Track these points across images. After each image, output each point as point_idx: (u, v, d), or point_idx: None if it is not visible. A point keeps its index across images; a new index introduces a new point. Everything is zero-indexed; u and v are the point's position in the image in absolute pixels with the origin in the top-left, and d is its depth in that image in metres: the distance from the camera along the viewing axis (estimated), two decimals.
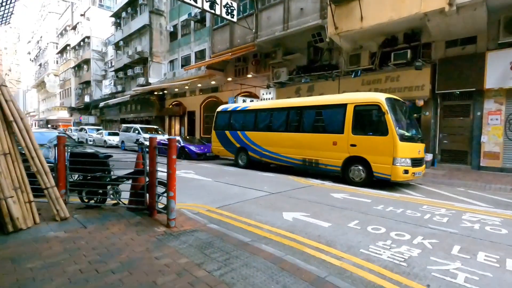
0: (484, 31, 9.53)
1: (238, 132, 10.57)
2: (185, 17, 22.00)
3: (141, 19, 25.51)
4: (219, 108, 11.94)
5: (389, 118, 6.59)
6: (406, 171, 6.56)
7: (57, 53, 48.43)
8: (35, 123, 62.20)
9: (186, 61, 22.33)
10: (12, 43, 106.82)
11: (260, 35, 15.22)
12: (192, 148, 13.43)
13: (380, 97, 6.91)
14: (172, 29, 23.69)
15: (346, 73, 12.80)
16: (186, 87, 21.46)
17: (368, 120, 7.22)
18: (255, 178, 8.22)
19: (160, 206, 4.20)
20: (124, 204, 4.41)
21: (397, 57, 11.08)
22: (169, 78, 22.69)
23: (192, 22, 21.59)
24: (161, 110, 25.03)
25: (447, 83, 10.03)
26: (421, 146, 7.11)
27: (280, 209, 4.89)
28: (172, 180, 3.74)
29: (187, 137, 15.92)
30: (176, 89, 22.92)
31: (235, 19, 14.39)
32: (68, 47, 43.09)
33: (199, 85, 20.45)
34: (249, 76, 16.66)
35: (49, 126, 50.09)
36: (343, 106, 7.51)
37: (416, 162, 6.81)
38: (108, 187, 4.42)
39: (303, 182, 7.59)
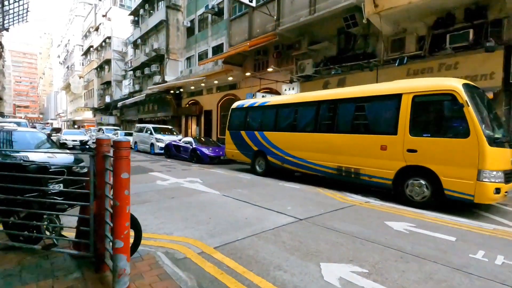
0: None
1: (256, 132, 8.82)
2: (202, 10, 20.69)
3: (158, 15, 24.56)
4: (234, 105, 10.26)
5: (471, 112, 4.55)
6: (497, 190, 4.48)
7: (82, 55, 49.38)
8: (64, 124, 64.36)
9: (203, 58, 20.97)
10: (45, 48, 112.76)
11: (282, 22, 13.42)
12: (204, 150, 11.86)
13: (455, 84, 4.87)
14: (189, 24, 22.49)
15: (385, 62, 10.66)
16: (202, 85, 20.07)
17: (437, 116, 5.19)
18: (275, 191, 6.41)
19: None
20: (69, 241, 2.78)
21: (455, 39, 8.82)
22: (185, 76, 21.43)
23: (209, 16, 20.24)
24: (178, 110, 23.90)
25: None
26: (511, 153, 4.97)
27: (315, 254, 3.06)
28: (120, 219, 2.03)
29: (201, 138, 14.42)
30: (192, 87, 21.63)
31: (253, 3, 12.70)
32: (91, 49, 43.60)
33: (216, 82, 18.97)
34: (270, 70, 14.88)
35: (75, 126, 51.29)
36: (397, 98, 5.53)
37: (509, 176, 4.70)
38: (45, 216, 2.80)
39: (340, 199, 5.68)
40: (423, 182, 5.10)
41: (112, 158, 2.13)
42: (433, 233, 3.80)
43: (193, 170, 9.63)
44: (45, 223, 2.67)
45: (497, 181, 4.44)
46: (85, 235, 2.47)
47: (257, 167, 8.87)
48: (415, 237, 3.63)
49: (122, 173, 1.97)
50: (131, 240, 2.69)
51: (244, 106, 9.66)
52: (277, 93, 14.88)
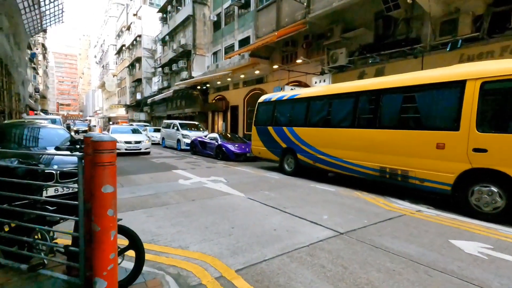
0: None
1: (284, 128, 8.09)
2: (228, 3, 20.18)
3: (185, 11, 24.50)
4: (261, 99, 9.60)
5: None
6: None
7: (115, 54, 51.38)
8: (100, 120, 67.90)
9: (229, 52, 20.50)
10: (84, 49, 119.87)
11: (312, 9, 12.44)
12: (230, 147, 11.36)
13: None
14: (215, 18, 22.12)
15: (432, 48, 9.37)
16: (229, 79, 19.62)
17: None
18: (307, 194, 5.68)
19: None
20: (61, 262, 2.30)
21: None
22: (212, 71, 21.12)
23: (235, 8, 19.68)
24: (204, 106, 23.75)
25: None
26: None
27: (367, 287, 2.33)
28: (102, 250, 1.46)
29: (227, 134, 13.97)
30: (219, 82, 21.28)
31: None
32: (123, 48, 45.12)
33: (242, 76, 18.42)
34: (299, 61, 13.98)
35: (110, 122, 53.78)
36: (459, 85, 4.52)
37: None
38: (37, 229, 2.35)
39: (384, 207, 4.83)
40: (495, 189, 4.10)
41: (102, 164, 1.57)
42: None
43: (218, 168, 9.15)
44: (33, 238, 2.21)
45: None
46: (72, 256, 1.96)
47: (286, 166, 8.16)
48: (497, 265, 2.75)
49: (104, 185, 1.40)
50: (131, 264, 2.15)
51: (271, 99, 8.96)
52: (306, 86, 13.97)
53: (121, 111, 50.66)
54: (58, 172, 4.16)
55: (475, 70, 4.42)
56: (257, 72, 16.98)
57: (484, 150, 4.16)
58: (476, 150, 4.24)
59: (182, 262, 2.75)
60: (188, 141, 14.86)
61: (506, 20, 7.73)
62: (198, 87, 23.13)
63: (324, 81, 12.71)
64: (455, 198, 4.57)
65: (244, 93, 19.26)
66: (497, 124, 4.18)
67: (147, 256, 2.75)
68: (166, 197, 5.21)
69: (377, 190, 6.10)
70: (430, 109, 4.92)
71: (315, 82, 12.99)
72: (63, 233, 2.17)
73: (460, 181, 4.46)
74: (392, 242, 3.25)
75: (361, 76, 11.53)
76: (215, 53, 22.84)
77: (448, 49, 8.17)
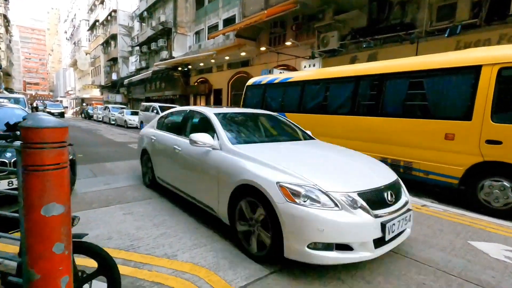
0: None
1: (275, 113, 7.54)
2: None
3: None
4: (250, 81, 8.94)
5: None
6: None
7: (88, 30, 47.85)
8: (72, 101, 63.93)
9: (213, 32, 19.38)
10: (53, 24, 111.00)
11: None
12: None
13: None
14: None
15: (428, 34, 9.07)
16: (212, 61, 18.61)
17: None
18: None
19: None
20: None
21: None
22: (194, 51, 19.96)
23: None
24: (186, 88, 22.63)
25: None
26: None
27: None
28: None
29: None
30: (201, 64, 20.20)
31: None
32: (97, 23, 42.01)
33: (227, 58, 17.49)
34: (288, 44, 13.34)
35: (84, 104, 50.65)
36: (473, 71, 4.16)
37: None
38: None
39: None
40: (507, 184, 3.84)
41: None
42: None
43: None
44: None
45: None
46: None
47: None
48: None
49: (46, 204, 0.81)
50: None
51: (262, 82, 8.34)
52: (295, 70, 13.42)
53: (96, 92, 47.83)
54: (13, 160, 3.43)
55: (492, 55, 4.05)
56: (243, 54, 16.14)
57: (499, 142, 3.86)
58: (489, 142, 3.94)
59: (169, 277, 2.21)
60: None
61: (506, 7, 7.48)
62: (179, 69, 21.90)
63: (314, 65, 12.20)
64: (462, 192, 4.30)
65: (229, 76, 18.41)
66: None
67: (124, 270, 2.18)
68: (147, 190, 4.58)
69: None
70: (439, 96, 4.56)
71: (304, 67, 12.46)
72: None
73: (468, 175, 4.18)
74: (411, 246, 2.87)
75: (352, 61, 11.13)
76: (197, 33, 21.56)
77: (446, 35, 7.87)
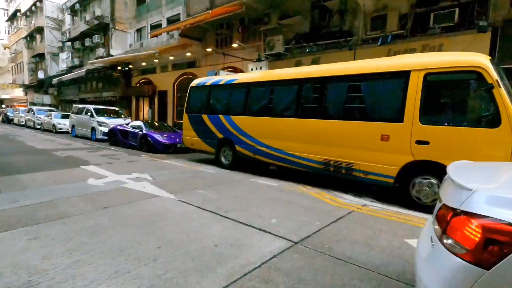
0: None
1: (221, 116, 7.26)
2: None
3: None
4: (194, 82, 8.51)
5: (503, 95, 3.61)
6: None
7: (7, 21, 41.57)
8: None
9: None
10: None
11: None
12: (157, 137, 9.96)
13: (481, 59, 3.88)
14: None
15: (364, 42, 9.72)
16: (156, 61, 17.54)
17: (456, 100, 4.25)
18: (249, 192, 5.04)
19: None
20: None
21: (439, 19, 8.14)
22: (135, 49, 18.58)
23: None
24: (127, 90, 20.97)
25: None
26: None
27: None
28: None
29: (154, 122, 12.36)
30: (144, 63, 18.92)
31: None
32: (18, 13, 36.72)
33: (171, 58, 16.65)
34: (235, 46, 13.18)
35: (3, 106, 43.64)
36: (403, 75, 4.42)
37: None
38: None
39: (332, 203, 4.53)
40: (434, 181, 4.13)
41: None
42: None
43: (142, 162, 7.80)
44: None
45: None
46: None
47: (223, 159, 7.39)
48: None
49: None
50: None
51: (206, 84, 7.97)
52: (243, 72, 13.30)
53: (18, 93, 41.69)
54: None
55: (419, 61, 4.37)
56: (188, 54, 15.51)
57: (426, 143, 4.14)
58: (418, 142, 4.21)
59: None
60: (106, 129, 12.68)
61: (427, 21, 8.36)
62: (119, 68, 20.21)
63: (261, 68, 12.22)
64: (397, 190, 4.54)
65: (174, 77, 17.55)
66: (439, 117, 4.21)
67: None
68: (66, 206, 3.88)
69: (319, 183, 5.86)
70: (375, 99, 4.77)
71: (251, 69, 12.40)
72: None
73: (402, 174, 4.42)
74: (352, 250, 2.83)
75: (297, 65, 11.39)
76: (139, 30, 20.17)
77: (379, 44, 8.48)
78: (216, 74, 11.37)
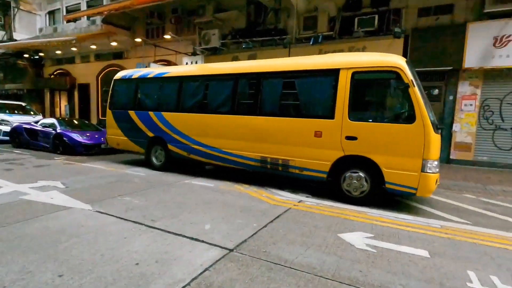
0: None
1: (151, 113, 6.60)
2: None
3: None
4: (119, 75, 7.57)
5: (417, 94, 3.96)
6: (436, 181, 4.12)
7: None
8: None
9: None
10: None
11: None
12: (75, 136, 8.64)
13: (398, 60, 4.21)
14: None
15: (297, 41, 10.03)
16: (74, 49, 15.36)
17: (378, 98, 4.53)
18: (183, 195, 4.63)
19: None
20: None
21: (362, 23, 8.84)
22: (47, 35, 15.93)
23: None
24: (37, 81, 17.94)
25: (422, 59, 8.26)
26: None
27: None
28: None
29: (72, 120, 10.73)
30: (59, 52, 16.40)
31: None
32: None
33: (94, 46, 14.77)
34: (167, 37, 12.29)
35: None
36: (334, 73, 4.56)
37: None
38: None
39: (268, 201, 4.44)
40: (362, 174, 4.37)
41: None
42: (399, 246, 2.95)
43: (55, 167, 6.63)
44: None
45: (436, 171, 4.05)
46: None
47: (154, 159, 6.74)
48: (387, 259, 2.67)
49: None
50: None
51: (133, 76, 7.15)
52: (175, 65, 12.52)
53: None
54: None
55: (348, 60, 4.55)
56: (114, 44, 13.95)
57: (355, 138, 4.34)
58: (348, 138, 4.39)
59: None
60: (7, 128, 10.55)
61: (353, 25, 8.99)
62: (26, 55, 17.13)
63: (196, 62, 11.68)
64: (330, 185, 4.69)
65: (98, 69, 15.65)
66: (365, 113, 4.45)
67: None
68: None
69: (257, 181, 5.76)
70: (308, 96, 4.83)
71: (186, 63, 11.76)
72: None
73: (334, 169, 4.58)
74: (289, 251, 2.73)
75: (234, 61, 11.21)
76: (51, 13, 17.40)
77: (311, 43, 8.81)
78: (146, 67, 10.42)
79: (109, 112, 7.45)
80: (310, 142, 4.71)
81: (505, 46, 7.38)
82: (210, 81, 6.00)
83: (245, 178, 5.98)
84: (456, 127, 8.30)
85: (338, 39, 9.34)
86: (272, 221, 3.53)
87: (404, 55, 8.44)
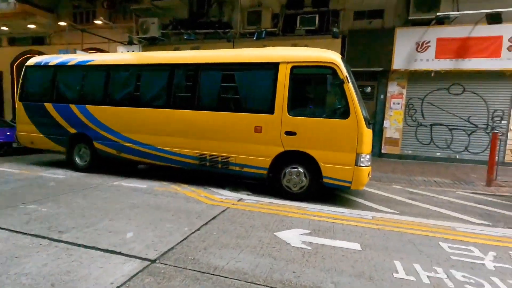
0: (392, 4, 8.68)
1: (72, 106, 5.75)
2: None
3: None
4: (32, 61, 6.45)
5: (351, 90, 4.05)
6: (369, 174, 4.30)
7: None
8: None
9: None
10: None
11: None
12: None
13: (334, 56, 4.26)
14: None
15: (241, 35, 9.85)
16: None
17: (316, 93, 4.54)
18: (106, 200, 4.06)
19: None
20: None
21: (304, 22, 9.05)
22: None
23: None
24: None
25: (357, 60, 8.75)
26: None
27: None
28: None
29: None
30: None
31: None
32: None
33: (5, 28, 12.58)
34: (99, 23, 11.03)
35: None
36: (273, 67, 4.44)
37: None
38: None
39: (206, 201, 4.15)
40: (301, 170, 4.35)
41: None
42: (333, 241, 2.93)
43: None
44: None
45: (368, 164, 4.22)
46: None
47: (77, 159, 5.89)
48: (322, 255, 2.61)
49: None
50: None
51: (50, 63, 6.14)
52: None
53: None
54: None
55: (287, 54, 4.47)
56: (31, 26, 12.08)
57: (294, 133, 4.29)
58: (287, 133, 4.32)
59: None
60: None
61: (295, 23, 9.12)
62: None
63: (133, 52, 10.69)
64: (271, 181, 4.58)
65: (12, 55, 13.41)
66: (303, 108, 4.43)
67: None
68: None
69: (196, 180, 5.41)
70: (248, 90, 4.65)
71: (122, 53, 10.69)
72: None
73: (275, 165, 4.48)
74: (221, 256, 2.48)
75: None
76: None
77: (255, 38, 8.69)
78: (71, 53, 9.16)
79: (19, 104, 6.30)
80: (250, 137, 4.54)
81: (425, 51, 8.22)
82: (144, 72, 5.43)
83: (185, 177, 5.57)
84: (386, 123, 9.02)
85: (281, 36, 9.41)
86: (206, 223, 3.25)
87: (342, 54, 8.86)
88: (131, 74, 5.46)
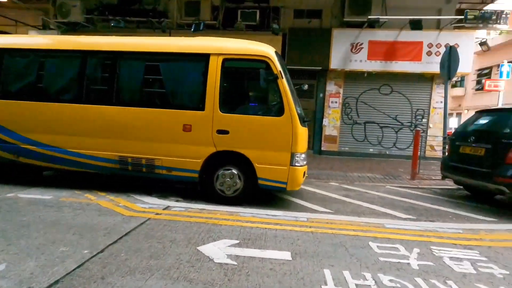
0: (329, 5, 8.91)
1: None
2: None
3: None
4: None
5: (285, 86, 3.85)
6: (304, 174, 4.16)
7: None
8: None
9: None
10: None
11: None
12: None
13: (267, 49, 4.01)
14: None
15: (178, 26, 9.19)
16: None
17: (249, 88, 4.26)
18: None
19: None
20: None
21: (245, 17, 8.79)
22: None
23: None
24: None
25: (297, 58, 8.81)
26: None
27: None
28: None
29: None
30: None
31: None
32: None
33: None
34: (3, 0, 9.22)
35: None
36: (203, 59, 4.01)
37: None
38: None
39: (124, 212, 3.55)
40: (235, 171, 4.01)
41: None
42: (263, 251, 2.66)
43: None
44: None
45: (304, 164, 4.08)
46: None
47: None
48: (246, 271, 2.30)
49: None
50: None
51: None
52: None
53: None
54: None
55: (219, 46, 4.09)
56: None
57: (226, 132, 3.94)
58: (219, 132, 3.95)
59: None
60: None
61: (235, 17, 8.79)
62: None
63: None
64: (203, 185, 4.17)
65: None
66: (236, 104, 4.10)
67: None
68: None
69: (120, 186, 4.70)
70: (176, 84, 4.16)
71: None
72: None
73: (206, 167, 4.07)
74: (122, 287, 1.99)
75: None
76: None
77: (192, 30, 8.13)
78: None
79: None
80: (178, 137, 4.05)
81: (359, 52, 8.63)
82: (49, 59, 4.51)
83: (107, 183, 4.81)
84: (325, 121, 9.28)
85: (221, 30, 9.00)
86: (115, 242, 2.70)
87: (282, 52, 8.83)
88: (32, 61, 4.48)
